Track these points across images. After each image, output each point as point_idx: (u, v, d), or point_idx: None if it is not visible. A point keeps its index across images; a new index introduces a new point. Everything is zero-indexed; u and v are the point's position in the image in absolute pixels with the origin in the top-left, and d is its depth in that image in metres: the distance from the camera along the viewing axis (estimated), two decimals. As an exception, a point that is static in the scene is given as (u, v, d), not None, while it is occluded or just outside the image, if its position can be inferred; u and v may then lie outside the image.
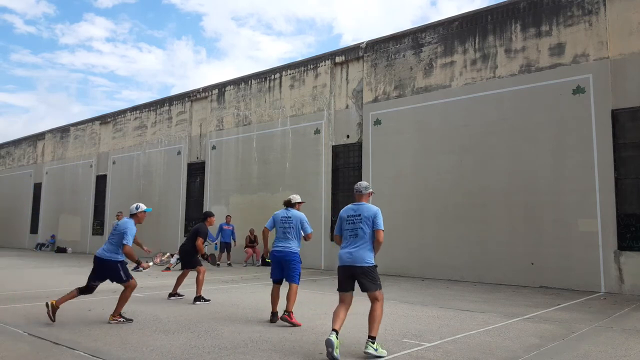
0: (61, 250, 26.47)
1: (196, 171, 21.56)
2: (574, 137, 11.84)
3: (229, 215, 18.21)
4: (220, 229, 17.39)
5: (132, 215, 7.39)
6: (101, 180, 26.40)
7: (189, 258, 9.39)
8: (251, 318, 7.46)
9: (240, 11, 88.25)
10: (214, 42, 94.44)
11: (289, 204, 7.46)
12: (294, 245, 7.17)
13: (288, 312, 6.85)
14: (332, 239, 16.35)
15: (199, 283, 9.00)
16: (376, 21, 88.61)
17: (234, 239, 17.48)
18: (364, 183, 5.89)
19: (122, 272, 7.07)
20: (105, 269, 7.09)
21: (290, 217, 7.25)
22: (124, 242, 6.98)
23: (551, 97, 12.29)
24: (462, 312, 8.15)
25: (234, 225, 17.64)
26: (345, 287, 5.55)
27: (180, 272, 9.86)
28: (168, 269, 15.67)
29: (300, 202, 7.57)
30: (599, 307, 8.95)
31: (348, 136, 16.57)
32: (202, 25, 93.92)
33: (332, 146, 16.91)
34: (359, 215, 5.53)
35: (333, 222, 16.48)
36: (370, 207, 5.58)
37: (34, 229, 30.73)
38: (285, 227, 7.22)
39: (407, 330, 6.64)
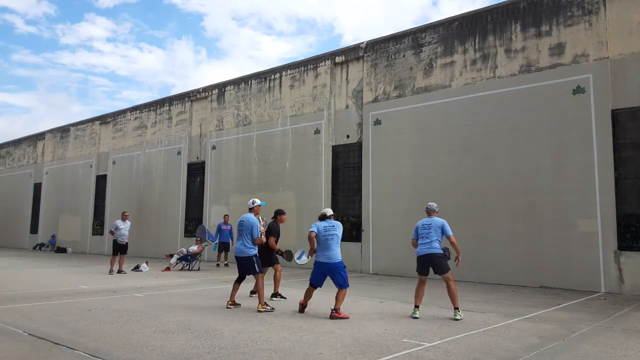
0: (61, 250, 26.47)
1: (196, 171, 21.55)
2: (574, 137, 11.84)
3: (227, 215, 18.20)
4: (219, 229, 17.37)
5: (250, 210, 8.61)
6: (101, 180, 26.40)
7: (267, 256, 9.50)
8: (251, 318, 7.46)
9: (241, 11, 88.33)
10: (214, 42, 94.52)
11: (324, 217, 7.97)
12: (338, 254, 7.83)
13: (335, 309, 7.49)
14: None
15: (276, 281, 9.51)
16: (377, 21, 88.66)
17: (232, 239, 17.46)
18: (434, 204, 8.14)
19: (256, 265, 8.30)
20: (244, 263, 8.39)
21: (333, 226, 7.81)
22: (255, 235, 8.31)
23: (551, 97, 12.29)
24: (462, 312, 8.14)
25: (231, 225, 17.62)
26: (423, 272, 7.82)
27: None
28: (168, 268, 15.66)
29: (332, 214, 8.17)
30: (599, 307, 8.95)
31: (348, 136, 16.57)
32: (202, 25, 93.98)
33: (332, 146, 16.90)
34: (430, 224, 7.81)
35: (333, 222, 16.44)
36: (438, 219, 7.86)
37: (34, 229, 30.73)
38: (328, 236, 7.78)
39: (407, 330, 6.64)
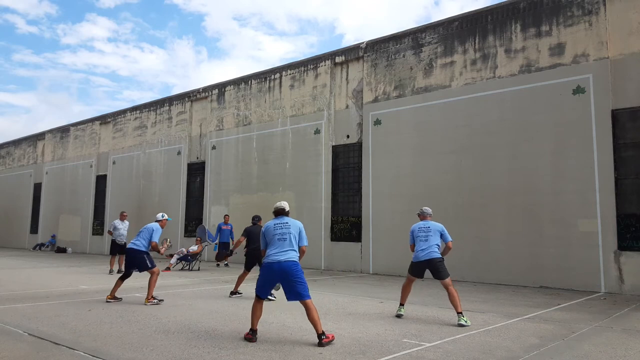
0: (61, 250, 26.48)
1: (196, 171, 21.55)
2: (574, 137, 11.84)
3: (227, 215, 18.22)
4: (219, 229, 17.38)
5: (158, 221, 9.38)
6: (101, 180, 26.40)
7: (258, 261, 9.60)
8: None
9: (242, 11, 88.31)
10: (215, 42, 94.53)
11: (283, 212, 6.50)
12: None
13: (323, 333, 5.86)
14: (332, 239, 16.37)
15: None
16: (379, 21, 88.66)
17: (232, 239, 17.47)
18: (429, 208, 7.99)
19: (147, 262, 8.99)
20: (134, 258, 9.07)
21: (287, 223, 6.36)
22: (154, 239, 9.02)
23: (551, 97, 12.29)
24: (462, 312, 8.15)
25: (232, 224, 17.65)
26: (418, 275, 7.72)
27: (241, 272, 10.19)
28: (168, 269, 15.66)
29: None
30: (599, 307, 8.94)
31: (348, 136, 16.57)
32: (204, 25, 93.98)
33: (332, 146, 16.90)
34: (429, 227, 7.61)
35: (333, 222, 16.48)
36: (436, 223, 7.71)
37: (34, 229, 30.73)
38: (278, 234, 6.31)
39: (407, 330, 6.64)
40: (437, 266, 7.39)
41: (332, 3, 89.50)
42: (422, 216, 7.86)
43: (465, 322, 7.01)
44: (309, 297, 5.96)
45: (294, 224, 6.34)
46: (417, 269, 7.62)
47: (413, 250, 7.74)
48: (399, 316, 7.56)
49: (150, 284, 8.77)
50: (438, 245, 7.53)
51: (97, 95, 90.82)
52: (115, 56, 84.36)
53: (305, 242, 6.33)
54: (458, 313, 7.12)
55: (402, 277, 13.72)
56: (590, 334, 6.64)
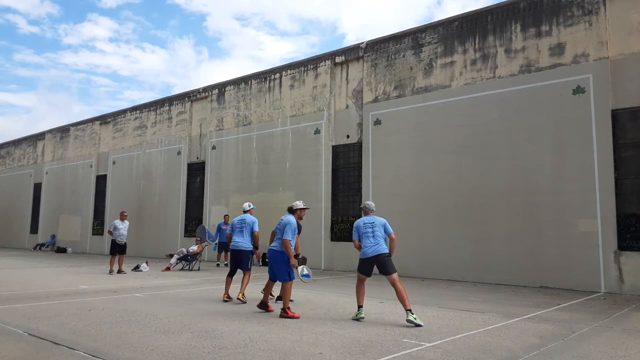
0: (61, 250, 26.48)
1: (196, 171, 21.55)
2: (574, 137, 11.84)
3: (227, 215, 18.22)
4: (219, 229, 17.37)
5: (247, 212, 9.94)
6: (101, 180, 26.40)
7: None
8: (251, 318, 7.46)
9: (244, 11, 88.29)
10: (216, 41, 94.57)
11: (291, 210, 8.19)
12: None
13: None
14: (332, 239, 16.37)
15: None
16: (381, 21, 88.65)
17: (232, 239, 17.43)
18: (372, 203, 7.92)
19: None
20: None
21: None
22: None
23: (551, 97, 12.29)
24: (462, 312, 8.16)
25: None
26: (368, 273, 7.56)
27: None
28: (168, 268, 15.66)
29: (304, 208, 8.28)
30: (599, 307, 8.94)
31: (348, 136, 16.57)
32: (205, 25, 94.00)
33: (332, 146, 16.90)
34: (374, 222, 7.51)
35: (333, 222, 16.47)
36: (379, 218, 7.62)
37: (34, 229, 30.73)
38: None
39: (407, 330, 6.64)
40: (384, 261, 7.29)
41: (334, 3, 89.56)
42: (366, 211, 7.73)
43: (415, 319, 6.83)
44: (285, 280, 7.66)
45: (287, 221, 7.85)
46: (366, 265, 7.46)
47: (357, 247, 7.59)
48: (359, 320, 7.29)
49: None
50: (385, 240, 7.43)
51: (98, 95, 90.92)
52: (117, 56, 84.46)
53: (286, 237, 7.70)
54: (407, 310, 6.97)
55: (401, 277, 13.68)
56: (590, 334, 6.64)
